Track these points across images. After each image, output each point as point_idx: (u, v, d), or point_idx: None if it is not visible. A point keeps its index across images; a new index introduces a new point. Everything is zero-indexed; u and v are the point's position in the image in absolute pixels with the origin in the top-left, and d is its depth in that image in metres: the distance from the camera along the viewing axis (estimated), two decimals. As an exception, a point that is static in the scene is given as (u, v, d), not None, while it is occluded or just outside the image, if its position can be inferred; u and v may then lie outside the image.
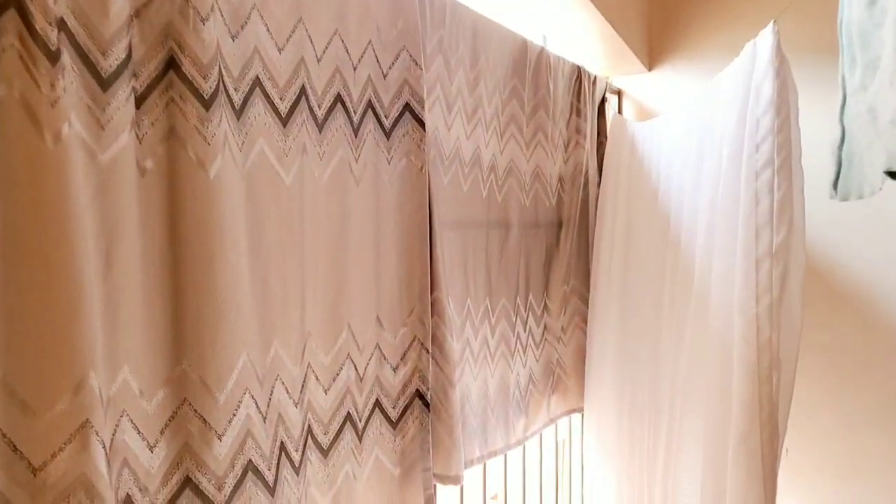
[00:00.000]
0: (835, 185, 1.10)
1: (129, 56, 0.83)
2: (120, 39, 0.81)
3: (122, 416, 0.83)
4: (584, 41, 2.16)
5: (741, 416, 1.34)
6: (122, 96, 0.82)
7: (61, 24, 0.75)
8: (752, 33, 2.14)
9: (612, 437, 2.10)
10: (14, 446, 0.72)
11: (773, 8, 2.17)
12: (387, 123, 1.26)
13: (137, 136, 0.85)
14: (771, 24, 1.35)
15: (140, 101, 0.86)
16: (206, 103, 0.89)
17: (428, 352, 1.31)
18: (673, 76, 2.39)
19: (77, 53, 0.78)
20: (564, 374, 1.99)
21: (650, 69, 2.41)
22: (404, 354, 1.30)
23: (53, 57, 0.73)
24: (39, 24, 0.72)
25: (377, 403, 1.27)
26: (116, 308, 0.82)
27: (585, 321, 2.04)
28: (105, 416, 0.78)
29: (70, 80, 0.76)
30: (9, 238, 0.72)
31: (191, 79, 0.88)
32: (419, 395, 1.30)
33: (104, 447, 0.76)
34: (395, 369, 1.29)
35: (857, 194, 1.05)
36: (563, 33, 2.12)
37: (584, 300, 2.04)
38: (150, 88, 0.87)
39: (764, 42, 1.37)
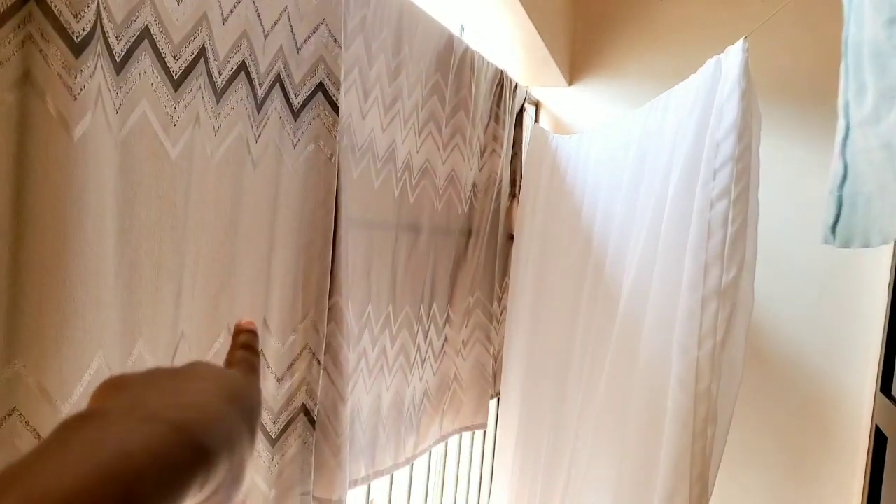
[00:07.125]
0: (833, 229, 0.95)
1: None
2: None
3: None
4: (506, 45, 2.10)
5: (669, 472, 1.19)
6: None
7: None
8: (673, 61, 2.17)
9: (508, 465, 2.04)
10: None
11: (695, 39, 2.22)
12: (296, 102, 1.12)
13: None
14: (741, 42, 1.21)
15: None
16: (77, 47, 0.72)
17: (320, 363, 1.18)
18: (591, 94, 2.39)
19: None
20: (461, 388, 1.91)
21: (570, 83, 2.40)
22: (291, 364, 1.15)
23: None
24: None
25: (256, 418, 1.11)
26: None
27: (487, 336, 1.97)
28: None
29: None
30: None
31: (57, 14, 0.71)
32: (305, 410, 1.16)
33: None
34: (279, 380, 1.14)
35: (863, 241, 0.89)
36: (486, 33, 2.05)
37: (488, 314, 1.98)
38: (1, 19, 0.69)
39: (731, 60, 1.22)
